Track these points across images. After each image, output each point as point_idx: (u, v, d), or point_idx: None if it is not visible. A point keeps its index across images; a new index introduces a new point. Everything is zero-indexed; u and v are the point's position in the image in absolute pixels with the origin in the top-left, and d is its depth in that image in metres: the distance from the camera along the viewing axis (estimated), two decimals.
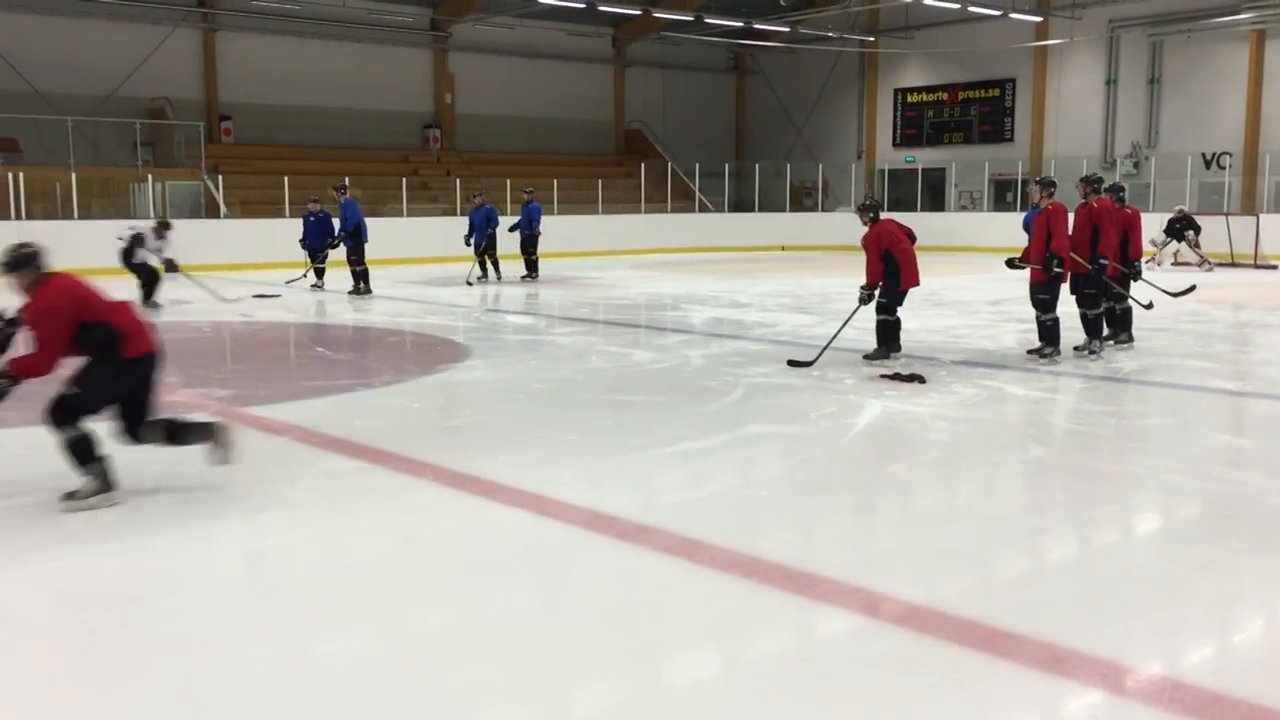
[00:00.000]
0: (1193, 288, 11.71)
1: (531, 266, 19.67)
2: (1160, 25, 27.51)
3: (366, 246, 16.82)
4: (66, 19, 24.91)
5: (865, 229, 9.68)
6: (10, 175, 20.57)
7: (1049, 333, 9.71)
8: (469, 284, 18.28)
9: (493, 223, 18.80)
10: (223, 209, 23.59)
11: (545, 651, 3.79)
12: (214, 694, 3.50)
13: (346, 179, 18.51)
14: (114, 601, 4.29)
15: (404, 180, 25.60)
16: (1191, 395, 8.68)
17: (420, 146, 30.62)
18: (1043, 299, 9.65)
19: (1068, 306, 10.29)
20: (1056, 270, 9.53)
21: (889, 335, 9.70)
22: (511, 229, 19.58)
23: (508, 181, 27.32)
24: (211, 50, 27.21)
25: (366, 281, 16.76)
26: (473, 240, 18.66)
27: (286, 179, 23.35)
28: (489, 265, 18.96)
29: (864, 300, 9.67)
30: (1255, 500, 5.68)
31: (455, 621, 4.11)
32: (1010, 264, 10.53)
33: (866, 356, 9.67)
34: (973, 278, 19.09)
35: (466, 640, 3.93)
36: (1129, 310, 10.65)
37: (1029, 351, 9.85)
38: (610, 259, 25.92)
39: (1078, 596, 4.28)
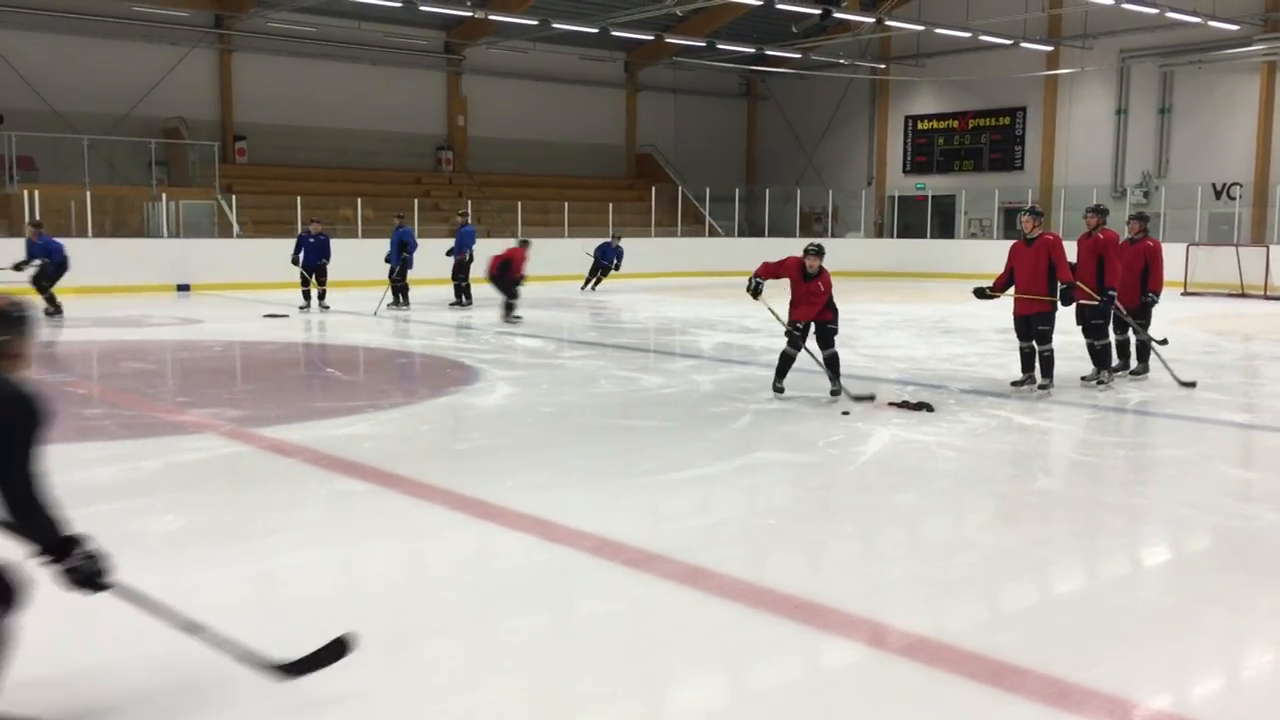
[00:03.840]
0: (1194, 384, 10.13)
1: (461, 292, 18.76)
2: (1171, 56, 27.59)
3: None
4: (84, 39, 25.14)
5: (820, 269, 9.21)
6: (26, 193, 20.73)
7: (1048, 364, 9.66)
8: (374, 315, 17.02)
9: (409, 247, 18.09)
10: (235, 228, 23.73)
11: (552, 678, 3.79)
12: (218, 718, 3.50)
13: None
14: (121, 623, 4.29)
15: (416, 202, 25.72)
16: (1200, 427, 8.67)
17: (433, 168, 30.78)
18: (1044, 330, 9.60)
19: (1074, 336, 10.30)
20: (1073, 300, 9.54)
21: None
22: (448, 253, 18.91)
23: (519, 204, 27.44)
24: (227, 71, 27.43)
25: (58, 307, 16.04)
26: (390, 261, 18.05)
27: (299, 199, 23.49)
28: (399, 293, 18.11)
29: (804, 336, 9.28)
30: (1265, 535, 5.66)
31: (462, 647, 4.11)
32: (980, 293, 10.11)
33: (835, 393, 9.26)
34: (981, 306, 19.07)
35: (473, 666, 3.94)
36: (1145, 344, 10.60)
37: (1039, 386, 9.65)
38: (620, 282, 25.97)
39: (1085, 630, 4.27)
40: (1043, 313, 9.53)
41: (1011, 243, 9.96)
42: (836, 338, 9.41)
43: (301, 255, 17.47)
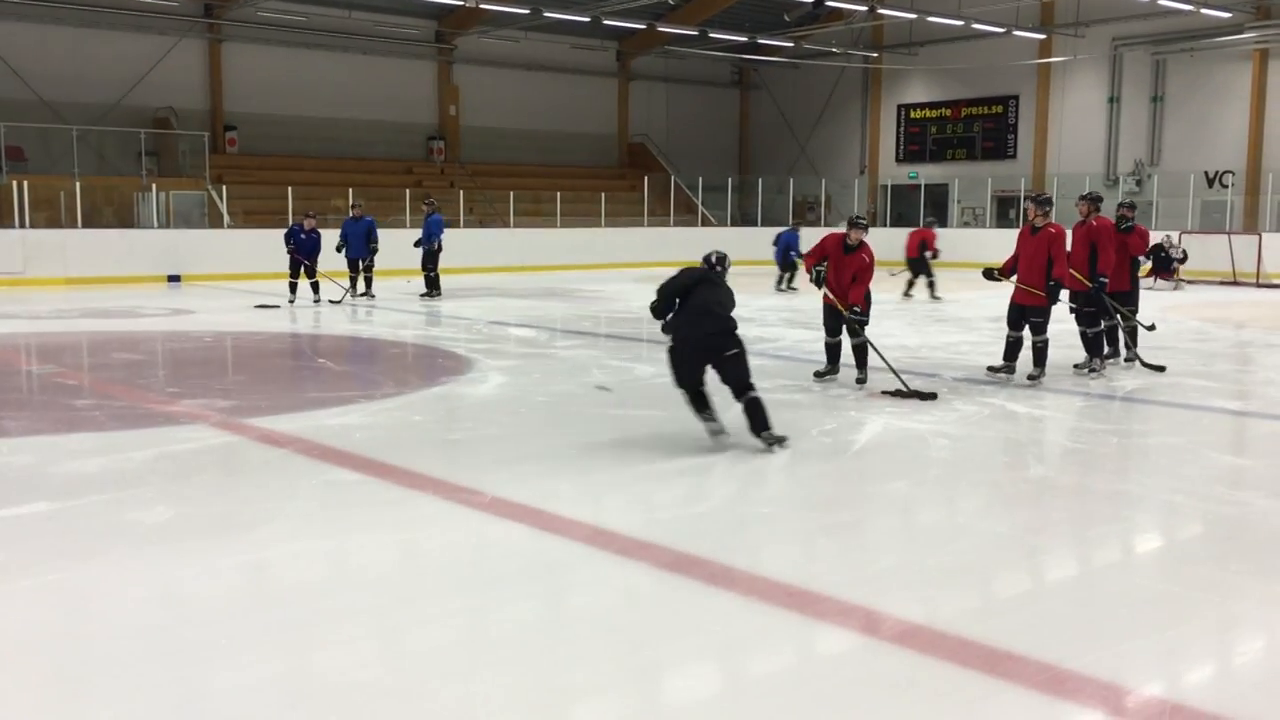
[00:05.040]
0: (1163, 369, 10.41)
1: (431, 284, 18.23)
2: (1163, 44, 27.60)
3: None
4: (73, 28, 25.01)
5: (860, 242, 9.20)
6: (15, 184, 20.63)
7: (1040, 355, 9.63)
8: (334, 301, 17.10)
9: (372, 237, 17.59)
10: (226, 219, 23.65)
11: (545, 668, 3.78)
12: (213, 709, 3.49)
13: None
14: (114, 614, 4.28)
15: (407, 191, 25.66)
16: (1193, 414, 8.68)
17: (424, 158, 30.69)
18: (1038, 321, 9.55)
19: (1066, 324, 10.30)
20: (1060, 299, 9.52)
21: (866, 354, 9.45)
22: (416, 244, 18.36)
23: (511, 194, 27.37)
24: (217, 60, 27.32)
25: None
26: (348, 253, 17.63)
27: (290, 189, 23.42)
28: (360, 281, 17.79)
29: (858, 322, 9.24)
30: (1256, 521, 5.67)
31: (455, 637, 4.10)
32: (988, 274, 10.03)
33: (860, 381, 9.30)
34: (974, 294, 19.08)
35: (466, 656, 3.92)
36: (1134, 329, 10.62)
37: (1029, 376, 9.53)
38: (613, 271, 25.94)
39: (1078, 617, 4.28)
40: (1039, 306, 9.50)
41: (1020, 228, 9.94)
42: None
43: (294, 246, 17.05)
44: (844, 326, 9.39)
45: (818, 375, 9.69)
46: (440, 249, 18.38)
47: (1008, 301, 9.80)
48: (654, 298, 7.17)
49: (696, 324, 7.05)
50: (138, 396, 9.00)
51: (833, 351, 9.65)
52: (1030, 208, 9.59)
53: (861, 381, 9.30)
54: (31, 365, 11.15)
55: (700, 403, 7.15)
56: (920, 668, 3.79)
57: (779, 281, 20.67)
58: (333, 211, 24.23)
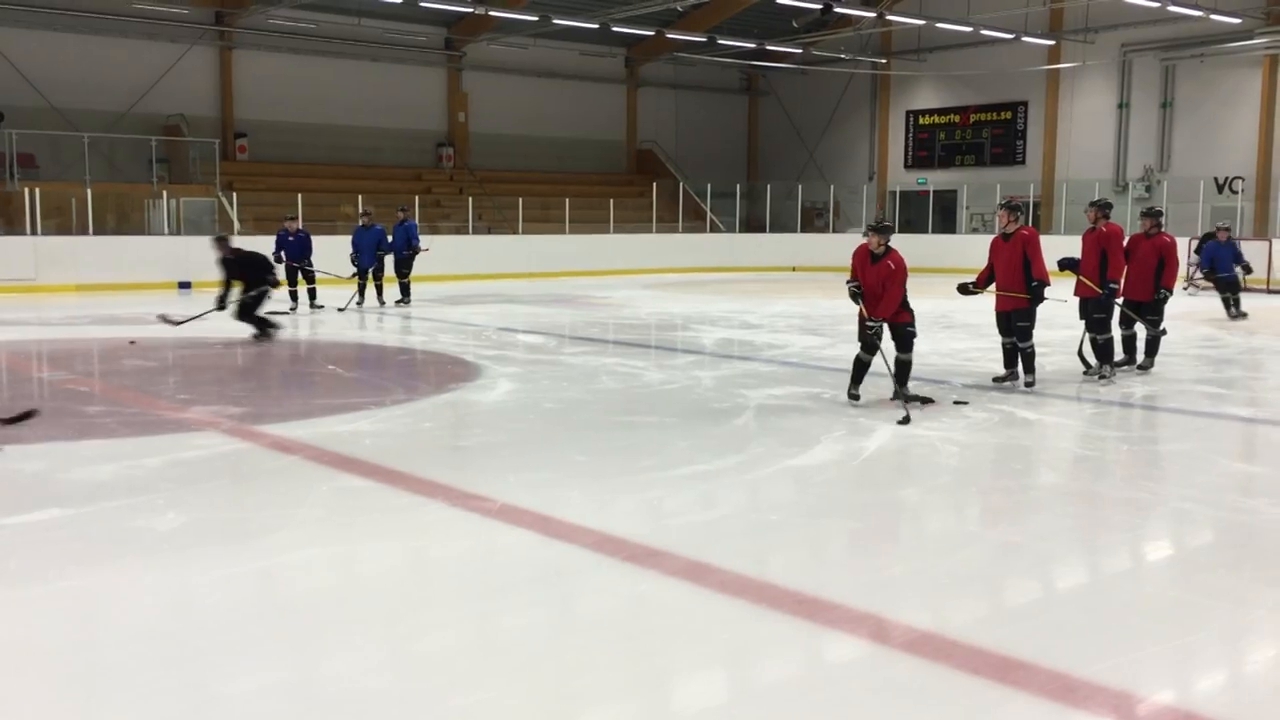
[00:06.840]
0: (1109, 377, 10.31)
1: (405, 291, 18.31)
2: (1173, 50, 27.55)
3: None
4: (84, 36, 25.13)
5: (885, 250, 8.60)
6: (26, 190, 20.72)
7: (1029, 360, 9.59)
8: (340, 310, 17.08)
9: (382, 245, 17.70)
10: (236, 225, 23.69)
11: (553, 675, 3.78)
12: (222, 715, 3.50)
13: None
14: (124, 620, 4.29)
15: (417, 198, 25.70)
16: (1204, 421, 8.65)
17: (433, 164, 30.75)
18: (1023, 326, 9.49)
19: (1077, 330, 10.28)
20: (1045, 298, 9.39)
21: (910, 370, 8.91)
22: (401, 252, 18.24)
23: (520, 200, 27.42)
24: (227, 68, 27.41)
25: None
26: (359, 262, 17.59)
27: (300, 196, 23.48)
28: (369, 289, 17.84)
29: (878, 335, 8.63)
30: (1268, 529, 5.65)
31: (464, 644, 4.11)
32: (963, 289, 9.83)
33: (896, 396, 8.71)
34: (984, 301, 19.04)
35: (474, 663, 3.93)
36: (1156, 340, 10.59)
37: (1025, 384, 9.52)
38: (621, 278, 25.96)
39: (1089, 625, 4.26)
40: (1021, 309, 9.46)
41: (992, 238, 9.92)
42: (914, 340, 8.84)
43: (284, 254, 16.75)
44: (873, 343, 8.72)
45: (852, 396, 8.95)
46: (419, 251, 18.41)
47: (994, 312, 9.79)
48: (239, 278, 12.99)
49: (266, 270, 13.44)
50: (149, 403, 9.03)
51: (859, 368, 8.89)
52: (1002, 214, 9.50)
53: (897, 397, 8.61)
54: (43, 372, 11.19)
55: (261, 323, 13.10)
56: (931, 675, 3.78)
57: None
58: (342, 218, 24.31)
